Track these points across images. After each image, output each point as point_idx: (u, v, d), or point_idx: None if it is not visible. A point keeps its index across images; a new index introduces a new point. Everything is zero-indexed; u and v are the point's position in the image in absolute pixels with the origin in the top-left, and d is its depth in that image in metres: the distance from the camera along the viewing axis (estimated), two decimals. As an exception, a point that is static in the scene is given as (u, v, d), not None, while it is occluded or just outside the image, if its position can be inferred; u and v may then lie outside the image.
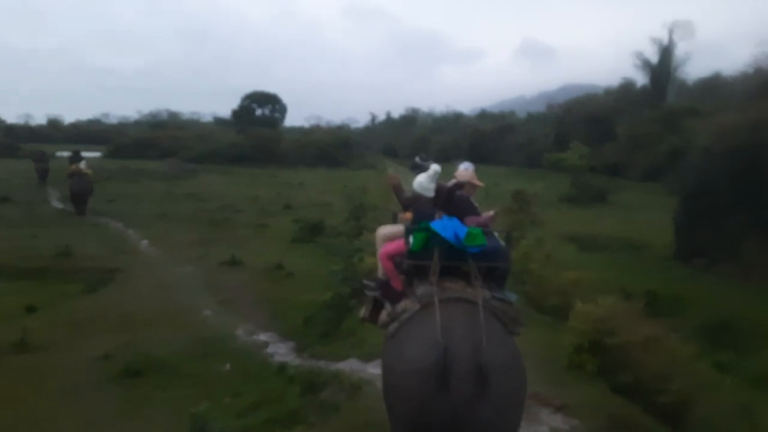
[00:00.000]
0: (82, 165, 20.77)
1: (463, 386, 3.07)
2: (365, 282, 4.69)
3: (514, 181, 32.09)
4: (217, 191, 28.00)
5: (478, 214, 4.46)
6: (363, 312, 4.68)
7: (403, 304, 3.75)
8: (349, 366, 6.97)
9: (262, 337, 8.88)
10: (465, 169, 4.70)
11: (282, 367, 7.10)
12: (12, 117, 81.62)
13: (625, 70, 73.94)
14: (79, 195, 20.19)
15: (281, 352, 8.16)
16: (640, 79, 41.86)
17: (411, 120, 74.14)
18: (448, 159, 50.08)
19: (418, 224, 4.03)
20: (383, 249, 4.30)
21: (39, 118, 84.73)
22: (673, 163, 29.80)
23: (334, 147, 49.13)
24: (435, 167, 4.41)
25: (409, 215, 4.44)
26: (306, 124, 65.68)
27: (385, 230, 4.52)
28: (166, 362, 7.73)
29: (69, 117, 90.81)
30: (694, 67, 46.24)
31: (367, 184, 20.42)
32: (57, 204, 22.76)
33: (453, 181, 4.54)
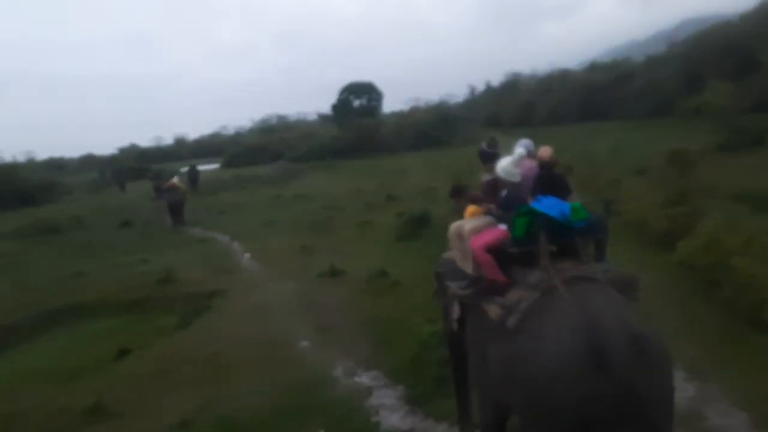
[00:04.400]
0: (175, 180, 24.75)
1: (625, 360, 2.88)
2: (450, 284, 4.46)
3: (641, 135, 27.89)
4: (321, 189, 27.88)
5: (571, 191, 4.31)
6: (455, 315, 4.56)
7: (516, 295, 3.50)
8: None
9: (365, 378, 7.12)
10: (529, 147, 4.48)
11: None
12: (145, 141, 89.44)
13: (759, -12, 64.03)
14: (174, 206, 22.75)
15: (388, 403, 6.31)
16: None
17: (512, 85, 69.00)
18: (558, 121, 45.97)
19: (511, 210, 3.91)
20: (476, 243, 4.03)
21: (167, 139, 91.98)
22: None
23: (433, 126, 46.71)
24: (519, 151, 4.40)
25: (475, 209, 4.47)
26: (405, 108, 63.48)
27: (467, 225, 4.36)
28: (252, 428, 6.26)
29: (193, 134, 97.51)
30: None
31: (472, 162, 18.11)
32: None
33: (531, 162, 4.37)
